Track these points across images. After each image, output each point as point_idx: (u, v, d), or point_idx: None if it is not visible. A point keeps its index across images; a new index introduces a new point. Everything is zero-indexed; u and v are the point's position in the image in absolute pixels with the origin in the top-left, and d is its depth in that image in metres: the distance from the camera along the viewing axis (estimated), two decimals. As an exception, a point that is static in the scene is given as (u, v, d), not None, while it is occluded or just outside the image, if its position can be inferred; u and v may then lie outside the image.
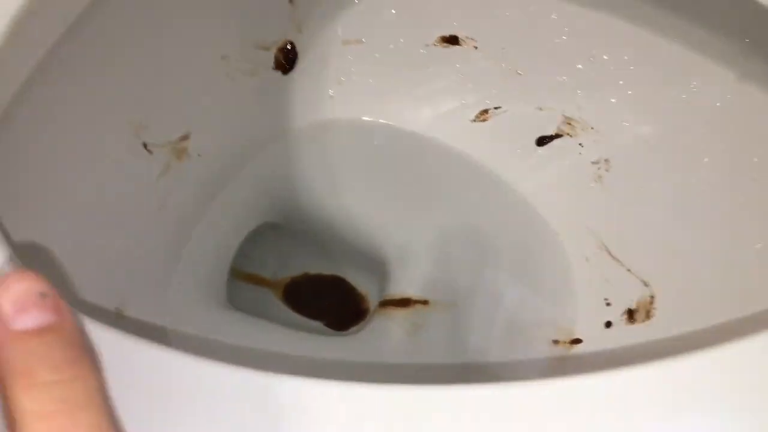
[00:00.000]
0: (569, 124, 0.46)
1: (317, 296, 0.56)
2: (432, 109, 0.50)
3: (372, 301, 0.55)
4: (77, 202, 0.38)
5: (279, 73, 0.49)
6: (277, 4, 0.45)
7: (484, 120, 0.49)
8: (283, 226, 0.56)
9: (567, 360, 0.41)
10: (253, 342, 0.47)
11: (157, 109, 0.43)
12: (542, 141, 0.47)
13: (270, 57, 0.48)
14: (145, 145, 0.42)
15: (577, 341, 0.42)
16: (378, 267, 0.53)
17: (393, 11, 0.48)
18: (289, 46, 0.48)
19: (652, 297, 0.41)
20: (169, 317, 0.44)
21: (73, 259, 0.37)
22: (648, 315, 0.40)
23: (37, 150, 0.34)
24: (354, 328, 0.54)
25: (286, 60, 0.49)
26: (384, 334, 0.47)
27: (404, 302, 0.48)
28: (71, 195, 0.37)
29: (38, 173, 0.35)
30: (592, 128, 0.45)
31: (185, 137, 0.45)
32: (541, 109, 0.47)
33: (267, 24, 0.46)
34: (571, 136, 0.46)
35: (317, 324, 0.55)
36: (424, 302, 0.47)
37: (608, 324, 0.42)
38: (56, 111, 0.36)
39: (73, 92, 0.36)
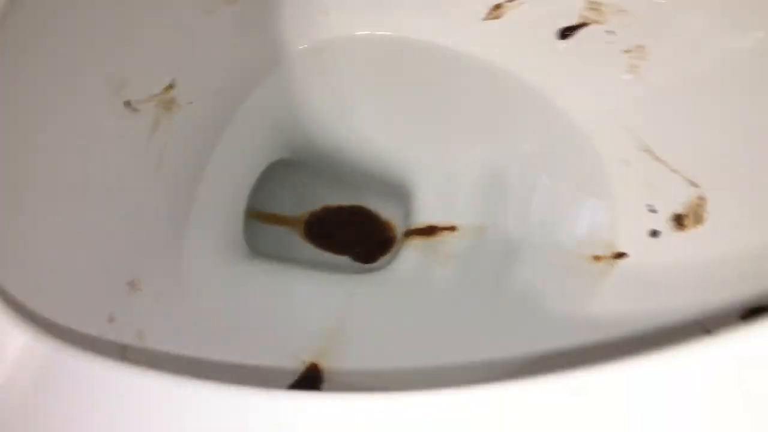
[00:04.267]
0: (595, 9, 0.40)
1: (340, 228, 0.54)
2: (437, 13, 0.44)
3: (397, 227, 0.52)
4: (64, 181, 0.35)
5: (261, -6, 0.44)
6: None
7: (496, 17, 0.43)
8: (296, 161, 0.52)
9: (610, 277, 0.38)
10: (282, 293, 0.45)
11: (135, 60, 0.39)
12: (565, 33, 0.41)
13: (248, -23, 0.43)
14: (128, 104, 0.38)
15: (621, 255, 0.38)
16: (399, 191, 0.50)
17: None
18: (267, -38, 0.43)
19: (701, 198, 0.37)
20: (187, 279, 0.42)
21: (70, 242, 0.35)
22: (698, 219, 0.36)
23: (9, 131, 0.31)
24: (382, 260, 0.51)
25: (267, -22, 0.43)
26: (415, 268, 0.44)
27: (430, 230, 0.45)
28: (55, 174, 0.34)
29: (13, 157, 0.32)
30: (621, 11, 0.39)
31: (170, 86, 0.41)
32: (560, -5, 0.41)
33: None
34: (598, 23, 0.40)
35: (344, 259, 0.52)
36: (452, 228, 0.44)
37: (654, 233, 0.38)
38: (23, 80, 0.32)
39: (39, 54, 0.32)
